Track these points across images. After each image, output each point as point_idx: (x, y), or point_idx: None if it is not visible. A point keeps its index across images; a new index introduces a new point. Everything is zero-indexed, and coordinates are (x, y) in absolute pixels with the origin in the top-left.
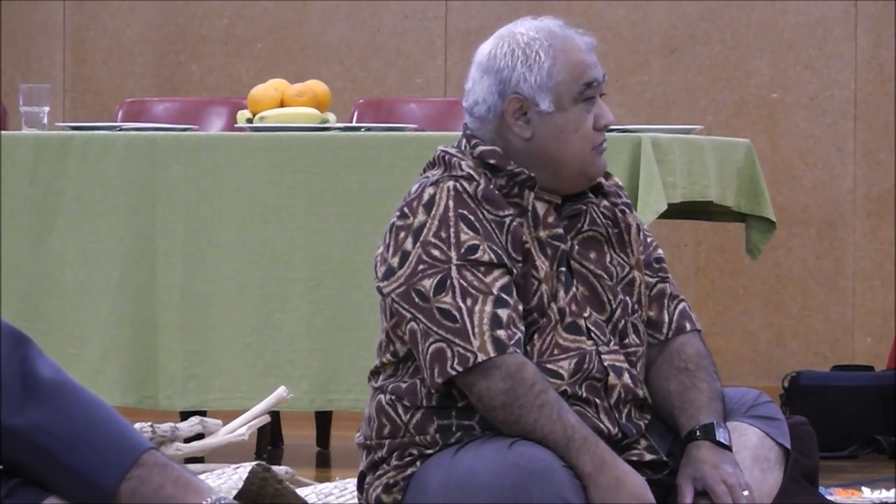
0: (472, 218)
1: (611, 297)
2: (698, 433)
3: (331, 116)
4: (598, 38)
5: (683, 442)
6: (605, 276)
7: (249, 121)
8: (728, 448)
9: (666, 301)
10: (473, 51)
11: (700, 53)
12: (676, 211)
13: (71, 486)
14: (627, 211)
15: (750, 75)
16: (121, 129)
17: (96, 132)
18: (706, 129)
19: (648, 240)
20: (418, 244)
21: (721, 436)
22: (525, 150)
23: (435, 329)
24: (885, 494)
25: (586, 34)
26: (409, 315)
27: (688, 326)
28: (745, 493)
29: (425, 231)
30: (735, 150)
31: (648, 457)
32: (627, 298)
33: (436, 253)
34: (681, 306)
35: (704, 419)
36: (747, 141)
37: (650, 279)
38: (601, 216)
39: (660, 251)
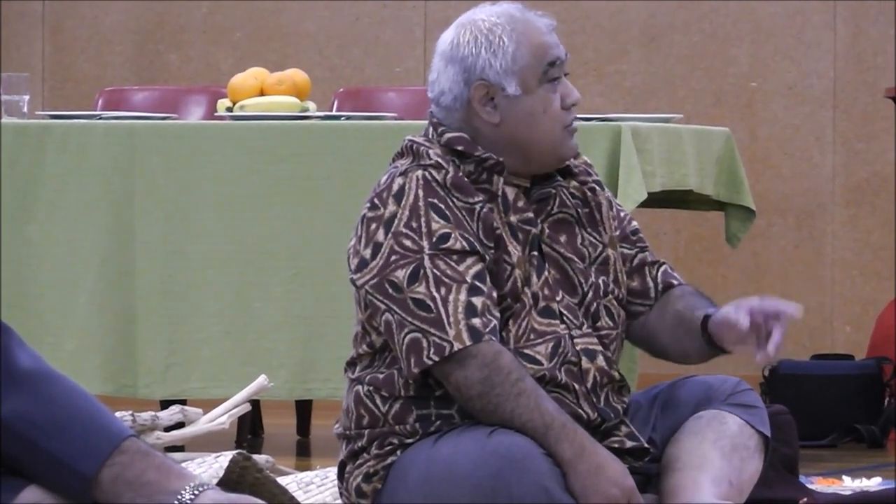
0: (442, 206)
1: (582, 280)
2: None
3: (311, 105)
4: (577, 28)
5: (703, 323)
6: (576, 259)
7: (229, 109)
8: None
9: (647, 268)
10: None
11: (679, 42)
12: (656, 200)
13: (51, 473)
14: (598, 188)
15: (729, 64)
16: (100, 118)
17: (75, 121)
18: (685, 118)
19: (622, 214)
20: (390, 235)
21: None
22: (494, 135)
23: (410, 319)
24: (864, 483)
25: (546, 15)
26: (383, 306)
27: (674, 283)
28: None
29: (396, 221)
30: (714, 138)
31: (629, 443)
32: (600, 280)
33: (408, 243)
34: (662, 268)
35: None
36: (726, 130)
37: (628, 251)
38: (570, 197)
39: (634, 223)
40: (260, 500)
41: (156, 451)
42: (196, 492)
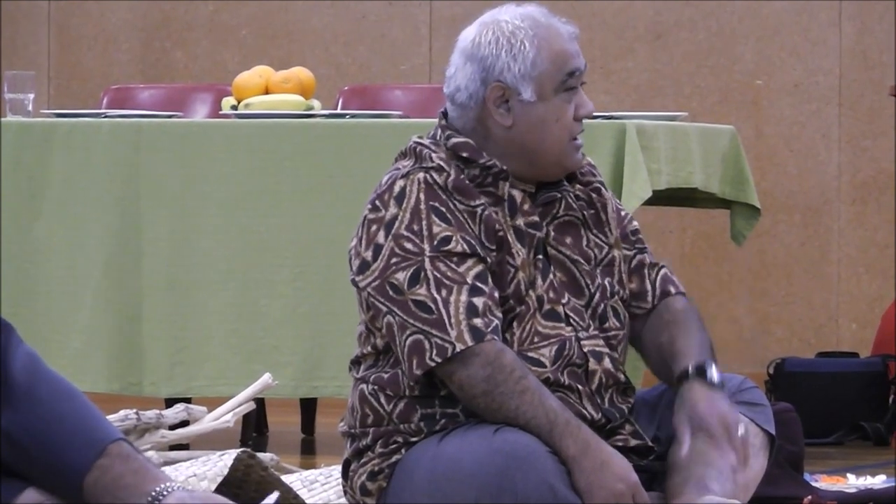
0: (443, 209)
1: (589, 282)
2: (691, 372)
3: (315, 103)
4: (584, 25)
5: (676, 384)
6: (583, 261)
7: (234, 108)
8: (720, 387)
9: (646, 270)
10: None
11: (685, 40)
12: (661, 198)
13: (44, 479)
14: (602, 189)
15: (734, 62)
16: (106, 116)
17: (81, 119)
18: (691, 116)
19: (622, 213)
20: (391, 237)
21: (712, 375)
22: (504, 138)
23: (411, 321)
24: (869, 481)
25: (569, 23)
26: (384, 308)
27: (672, 290)
28: (741, 428)
29: (397, 224)
30: (720, 136)
31: (633, 442)
32: (606, 282)
33: (409, 246)
34: (662, 272)
35: (696, 360)
36: (732, 127)
37: (627, 252)
38: (575, 200)
39: (635, 223)
40: (229, 502)
41: (138, 454)
42: (164, 493)
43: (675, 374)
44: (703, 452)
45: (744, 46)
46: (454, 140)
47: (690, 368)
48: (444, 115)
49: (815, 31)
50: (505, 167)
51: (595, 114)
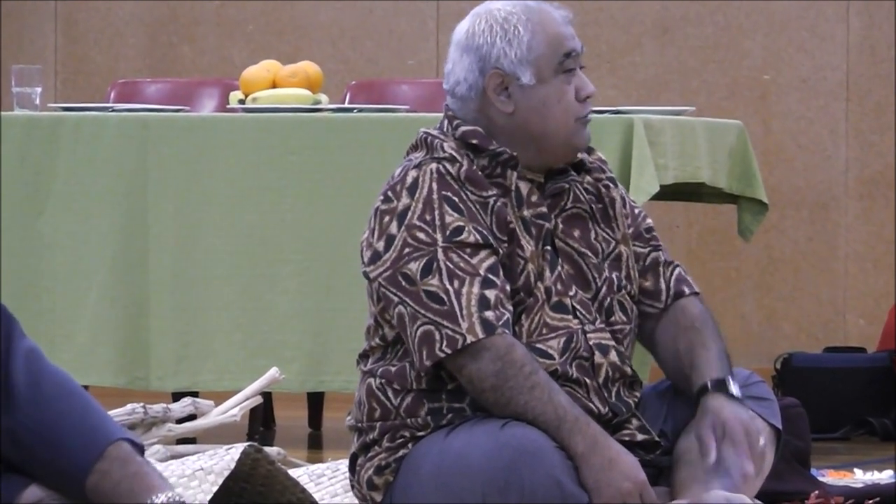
0: (455, 199)
1: (596, 276)
2: (711, 388)
3: (323, 97)
4: (590, 20)
5: (696, 397)
6: (590, 254)
7: (241, 102)
8: (740, 400)
9: (661, 269)
10: None
11: (692, 35)
12: (668, 193)
13: (47, 477)
14: (612, 185)
15: (742, 57)
16: (113, 111)
17: (88, 113)
18: (698, 111)
19: (636, 211)
20: (403, 228)
21: (734, 390)
22: (508, 125)
23: (423, 312)
24: (876, 476)
25: (562, 7)
26: (396, 299)
27: (686, 290)
28: (761, 440)
29: (410, 214)
30: (727, 131)
31: (640, 437)
32: (614, 275)
33: (421, 236)
34: (676, 272)
35: (716, 375)
36: (739, 122)
37: (641, 249)
38: (584, 192)
39: (649, 221)
40: None
41: (137, 456)
42: None
43: (696, 388)
44: (721, 459)
45: (751, 41)
46: (463, 128)
47: (710, 384)
48: (448, 109)
49: (822, 26)
50: (514, 154)
51: (602, 108)
